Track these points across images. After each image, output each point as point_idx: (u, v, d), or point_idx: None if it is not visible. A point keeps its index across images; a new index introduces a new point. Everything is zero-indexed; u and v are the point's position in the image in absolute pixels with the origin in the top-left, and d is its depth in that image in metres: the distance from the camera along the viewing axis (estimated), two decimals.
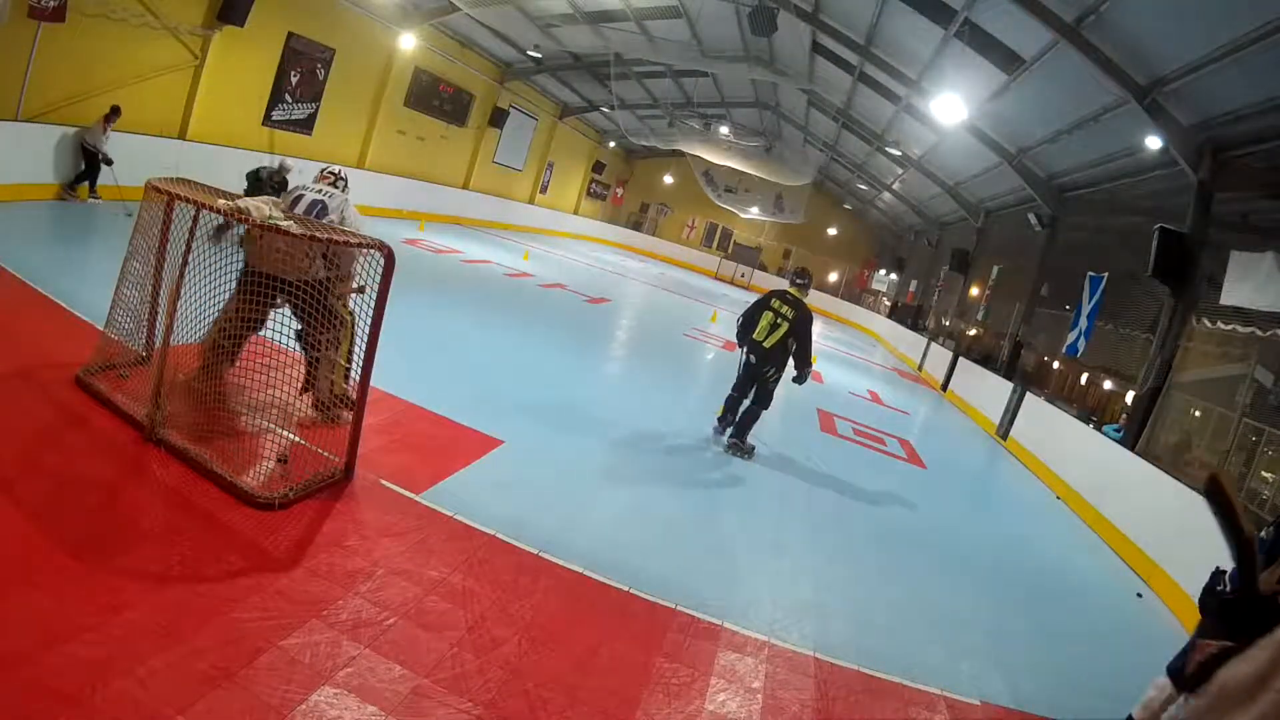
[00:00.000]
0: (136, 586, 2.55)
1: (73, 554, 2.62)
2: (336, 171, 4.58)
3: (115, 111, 9.45)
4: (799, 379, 6.08)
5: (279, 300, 3.96)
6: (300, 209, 4.14)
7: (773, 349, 5.89)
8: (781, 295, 5.98)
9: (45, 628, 2.24)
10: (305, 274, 3.87)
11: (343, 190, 4.45)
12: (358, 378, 3.82)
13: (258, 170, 8.70)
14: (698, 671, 3.01)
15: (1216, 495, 2.71)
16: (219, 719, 2.11)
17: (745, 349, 6.10)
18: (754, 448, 6.15)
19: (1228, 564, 3.10)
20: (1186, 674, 2.54)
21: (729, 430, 6.19)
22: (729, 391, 6.28)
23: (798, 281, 6.07)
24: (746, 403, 6.11)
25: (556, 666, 2.77)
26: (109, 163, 9.20)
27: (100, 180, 8.94)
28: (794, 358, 5.96)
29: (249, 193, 8.20)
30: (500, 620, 2.94)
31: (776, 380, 6.05)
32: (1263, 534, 3.02)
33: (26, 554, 2.55)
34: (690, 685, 2.91)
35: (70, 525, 2.78)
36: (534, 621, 3.00)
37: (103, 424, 3.62)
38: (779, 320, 5.86)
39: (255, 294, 3.79)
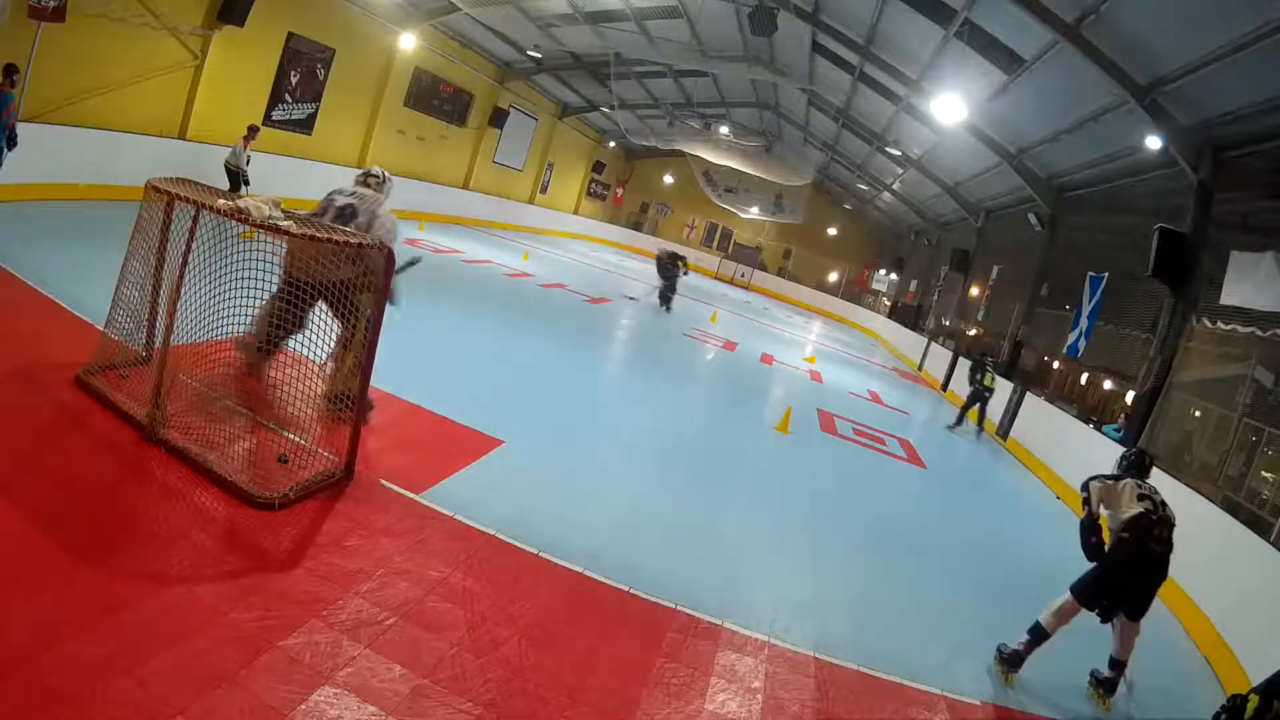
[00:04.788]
0: (136, 586, 2.55)
1: (73, 554, 2.61)
2: (373, 172, 4.57)
3: (252, 131, 10.44)
4: None
5: (318, 302, 4.01)
6: (329, 217, 4.20)
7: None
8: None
9: (45, 628, 2.24)
10: (335, 275, 3.90)
11: (380, 190, 4.46)
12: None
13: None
14: (698, 671, 3.01)
15: None
16: (219, 719, 2.11)
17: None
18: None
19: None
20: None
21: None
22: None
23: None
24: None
25: (556, 666, 2.77)
26: (246, 182, 10.18)
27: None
28: None
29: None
30: (500, 620, 2.94)
31: None
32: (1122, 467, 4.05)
33: (26, 554, 2.55)
34: (690, 685, 2.91)
35: (70, 525, 2.78)
36: (534, 621, 3.00)
37: (103, 424, 3.62)
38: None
39: (294, 298, 3.81)
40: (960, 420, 10.69)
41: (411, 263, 4.83)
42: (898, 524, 5.90)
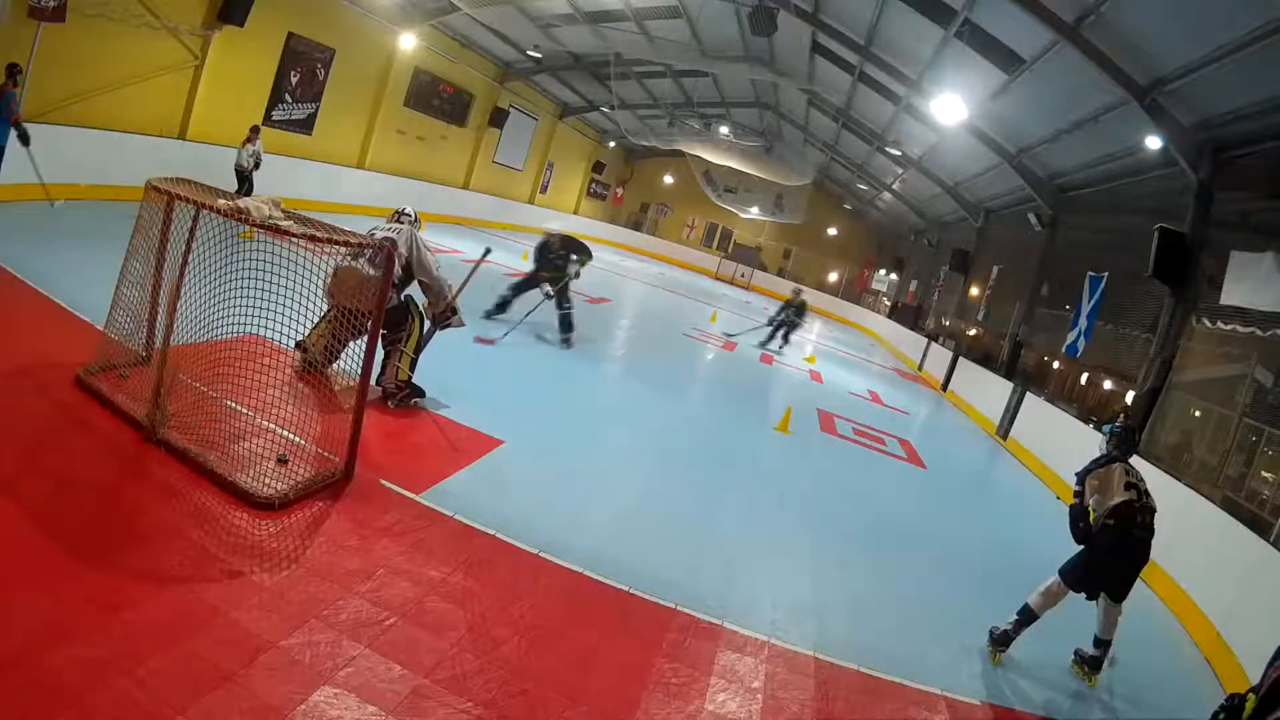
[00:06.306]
0: (136, 586, 2.55)
1: (73, 554, 2.62)
2: (405, 211, 5.28)
3: (254, 131, 10.62)
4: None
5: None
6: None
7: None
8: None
9: (45, 628, 2.24)
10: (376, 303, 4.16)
11: (409, 225, 5.09)
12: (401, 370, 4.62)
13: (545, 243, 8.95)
14: (698, 671, 3.01)
15: None
16: (219, 719, 2.11)
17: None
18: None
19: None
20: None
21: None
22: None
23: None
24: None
25: (556, 666, 2.77)
26: (247, 180, 10.34)
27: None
28: None
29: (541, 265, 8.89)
30: (500, 620, 2.94)
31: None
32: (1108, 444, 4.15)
33: (26, 554, 2.55)
34: (690, 685, 2.91)
35: (70, 525, 2.78)
36: (534, 622, 3.00)
37: (103, 424, 3.62)
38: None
39: (344, 323, 4.29)
40: (771, 339, 13.77)
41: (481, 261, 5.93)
42: (898, 524, 5.90)
